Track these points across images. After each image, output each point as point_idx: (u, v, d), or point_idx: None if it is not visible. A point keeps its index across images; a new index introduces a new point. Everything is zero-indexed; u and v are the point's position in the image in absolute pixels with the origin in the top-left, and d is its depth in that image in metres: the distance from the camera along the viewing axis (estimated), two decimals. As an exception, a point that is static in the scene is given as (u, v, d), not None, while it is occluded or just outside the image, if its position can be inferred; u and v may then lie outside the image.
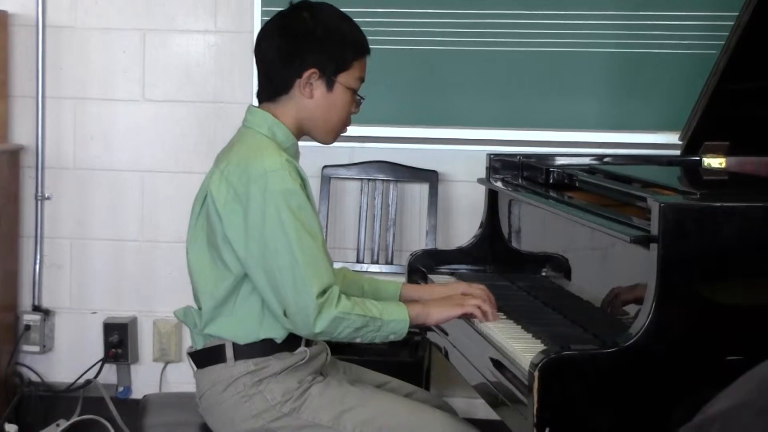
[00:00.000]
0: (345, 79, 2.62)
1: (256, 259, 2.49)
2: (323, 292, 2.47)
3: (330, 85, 2.61)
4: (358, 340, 2.56)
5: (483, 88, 4.08)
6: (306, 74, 2.59)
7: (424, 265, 3.30)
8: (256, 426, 2.55)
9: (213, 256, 2.57)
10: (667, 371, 2.21)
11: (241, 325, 2.57)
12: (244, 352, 2.56)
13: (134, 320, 4.38)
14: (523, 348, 2.42)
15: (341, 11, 2.67)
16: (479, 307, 2.65)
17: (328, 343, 2.70)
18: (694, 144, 3.24)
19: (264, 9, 4.06)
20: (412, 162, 4.16)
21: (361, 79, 2.66)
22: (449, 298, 2.72)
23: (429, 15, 4.07)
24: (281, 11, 2.67)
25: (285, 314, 2.49)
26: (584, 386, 2.19)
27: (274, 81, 2.63)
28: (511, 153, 3.39)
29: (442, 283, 3.02)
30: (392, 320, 2.55)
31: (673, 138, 3.50)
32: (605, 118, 4.05)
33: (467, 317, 2.69)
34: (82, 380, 4.35)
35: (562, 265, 2.85)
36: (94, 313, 4.40)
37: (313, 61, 2.59)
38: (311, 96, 2.61)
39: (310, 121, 2.64)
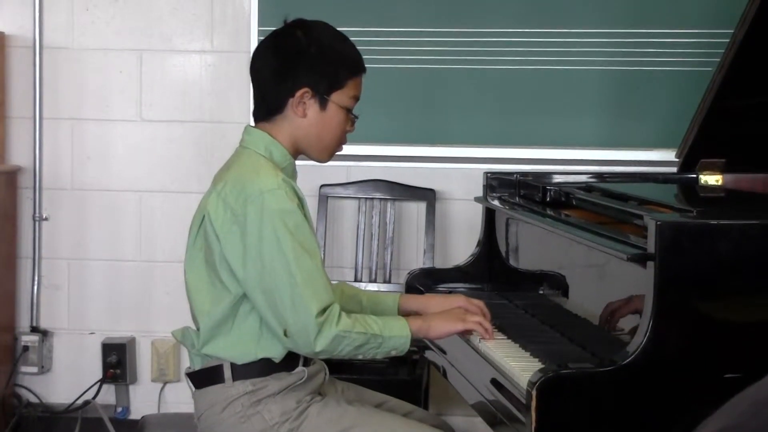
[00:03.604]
0: (338, 97, 2.61)
1: (254, 279, 2.49)
2: (323, 311, 2.47)
3: (323, 103, 2.61)
4: (359, 357, 2.56)
5: (479, 106, 4.09)
6: (298, 93, 2.59)
7: (421, 284, 3.30)
8: (254, 446, 2.55)
9: (211, 276, 2.57)
10: (665, 389, 2.21)
11: (239, 344, 2.56)
12: (242, 372, 2.56)
13: (132, 340, 4.37)
14: (520, 367, 2.41)
15: (336, 29, 2.67)
16: (481, 324, 2.65)
17: (327, 362, 2.69)
18: (690, 161, 3.24)
19: (261, 28, 4.07)
20: (410, 181, 4.16)
21: (356, 98, 2.65)
22: (450, 313, 2.70)
23: (425, 34, 4.08)
24: (275, 30, 2.67)
25: (285, 334, 2.49)
26: (582, 405, 2.18)
27: (268, 100, 2.63)
28: (507, 171, 3.40)
29: (441, 294, 3.02)
30: (393, 336, 2.55)
31: (669, 155, 3.50)
32: (601, 136, 4.05)
33: (467, 334, 2.68)
34: (80, 401, 4.35)
35: (559, 283, 2.85)
36: (92, 333, 4.39)
37: (305, 79, 2.58)
38: (304, 115, 2.61)
39: (304, 140, 2.64)
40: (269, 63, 2.62)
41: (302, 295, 2.45)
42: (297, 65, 2.59)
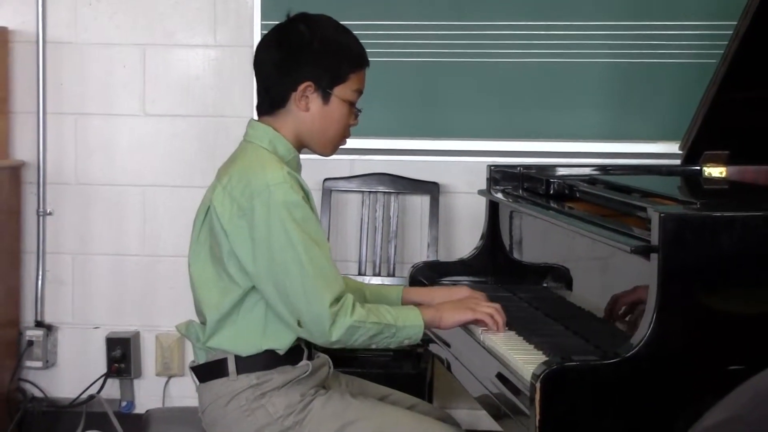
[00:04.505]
0: (341, 91, 2.61)
1: (264, 272, 2.49)
2: (336, 301, 2.47)
3: (326, 97, 2.61)
4: (373, 347, 2.57)
5: (483, 99, 4.09)
6: (301, 87, 2.59)
7: (425, 277, 3.30)
8: (259, 440, 2.55)
9: (217, 269, 2.56)
10: (669, 382, 2.21)
11: (244, 336, 2.56)
12: (246, 365, 2.56)
13: (137, 335, 4.38)
14: (525, 359, 2.41)
15: (339, 23, 2.67)
16: (491, 316, 2.65)
17: (331, 355, 2.70)
18: (694, 153, 3.23)
19: (264, 22, 4.07)
20: (413, 174, 4.16)
21: (359, 92, 2.65)
22: (461, 302, 2.71)
23: (428, 27, 4.08)
24: (278, 24, 2.67)
25: (299, 324, 2.49)
26: (586, 397, 2.18)
27: (271, 94, 2.63)
28: (511, 164, 3.39)
29: (445, 286, 3.02)
30: (407, 326, 2.55)
31: (673, 147, 3.50)
32: (605, 129, 4.05)
33: (478, 324, 2.68)
34: (85, 395, 4.36)
35: (563, 276, 2.85)
36: (97, 327, 4.40)
37: (308, 73, 2.59)
38: (307, 109, 2.61)
39: (307, 134, 2.64)
40: (272, 57, 2.63)
41: (315, 286, 2.46)
42: (300, 59, 2.59)
